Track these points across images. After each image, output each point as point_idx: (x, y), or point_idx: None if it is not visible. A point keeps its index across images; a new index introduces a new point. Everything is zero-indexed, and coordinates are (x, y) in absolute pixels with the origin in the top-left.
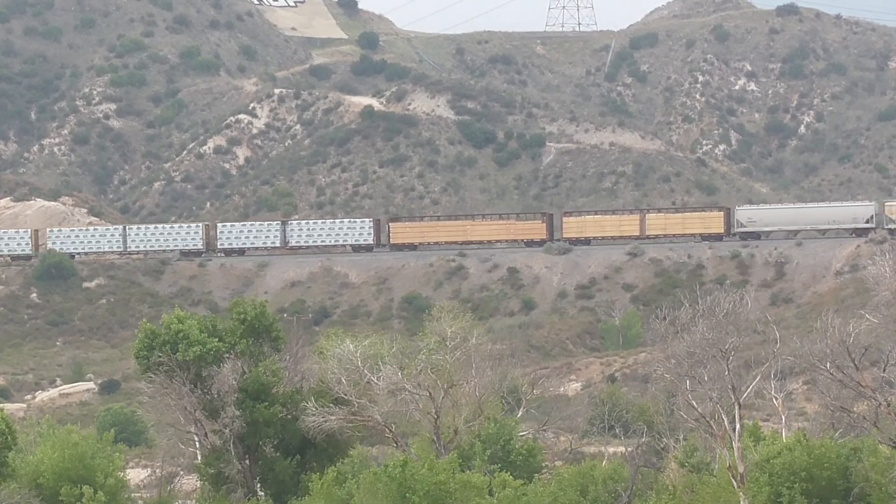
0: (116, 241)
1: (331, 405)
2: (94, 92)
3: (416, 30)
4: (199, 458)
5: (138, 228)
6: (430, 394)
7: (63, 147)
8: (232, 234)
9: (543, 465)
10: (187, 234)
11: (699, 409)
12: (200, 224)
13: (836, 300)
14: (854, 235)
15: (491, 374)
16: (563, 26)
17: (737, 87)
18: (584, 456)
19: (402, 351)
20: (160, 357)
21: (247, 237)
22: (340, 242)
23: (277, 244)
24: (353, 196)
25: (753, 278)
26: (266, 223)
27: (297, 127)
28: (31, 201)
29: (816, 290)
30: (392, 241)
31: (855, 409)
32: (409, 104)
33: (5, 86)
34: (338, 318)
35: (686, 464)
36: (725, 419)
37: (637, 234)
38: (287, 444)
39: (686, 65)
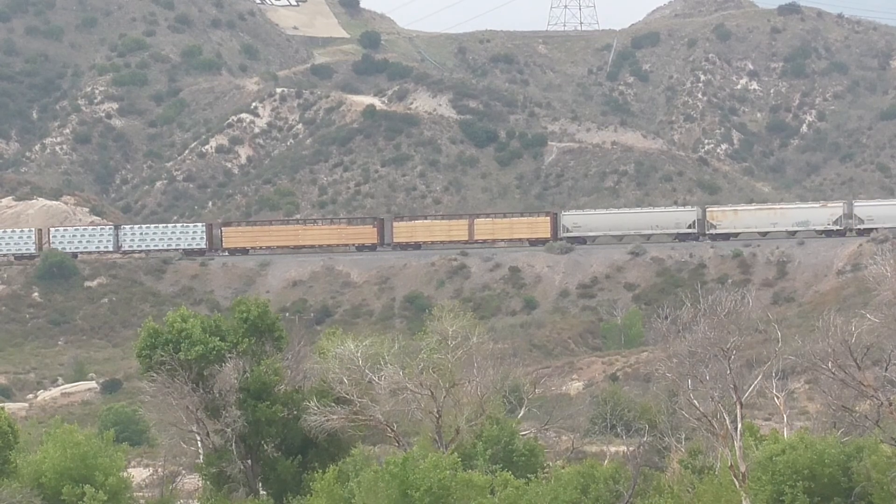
0: None
1: (332, 405)
2: (96, 91)
3: (417, 29)
4: (201, 457)
5: None
6: (431, 393)
7: (65, 146)
8: (65, 238)
9: (546, 464)
10: (20, 239)
11: (701, 409)
12: (33, 229)
13: (838, 299)
14: (677, 240)
15: (493, 373)
16: (564, 25)
17: (738, 87)
18: (586, 455)
19: (404, 350)
20: (162, 356)
21: (80, 241)
22: (173, 247)
23: (111, 248)
24: (355, 195)
25: (755, 277)
26: (99, 227)
27: (299, 126)
28: (33, 200)
29: (818, 290)
30: (224, 245)
31: (857, 408)
32: (411, 103)
33: (7, 85)
34: (339, 318)
35: (689, 466)
36: (727, 418)
37: (466, 238)
38: (289, 444)
39: (688, 64)
